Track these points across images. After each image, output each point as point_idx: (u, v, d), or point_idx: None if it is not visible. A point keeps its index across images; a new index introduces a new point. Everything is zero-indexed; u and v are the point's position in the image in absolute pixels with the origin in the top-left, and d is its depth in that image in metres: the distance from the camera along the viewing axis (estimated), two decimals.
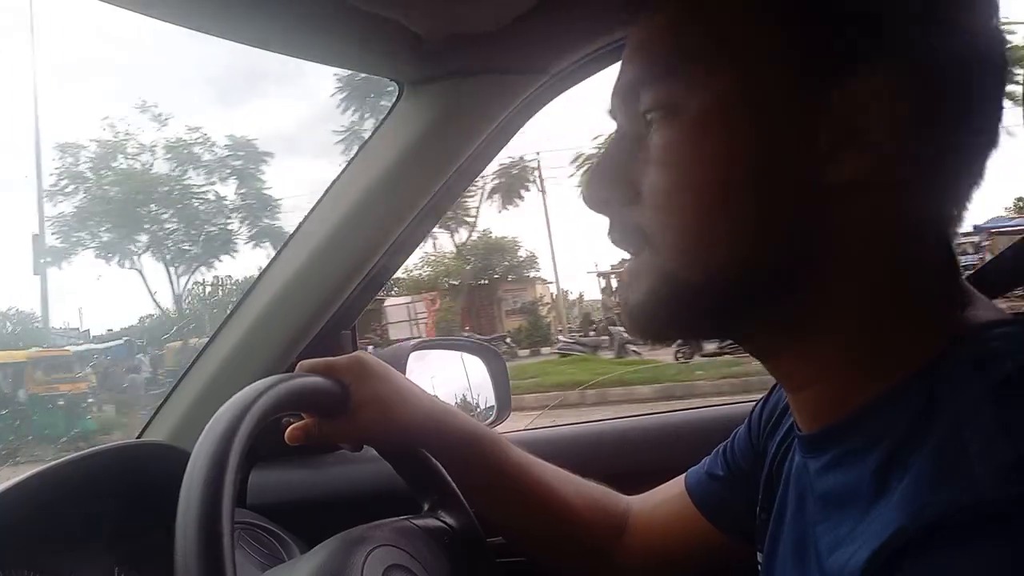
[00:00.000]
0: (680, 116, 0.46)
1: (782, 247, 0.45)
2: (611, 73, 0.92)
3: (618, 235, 0.52)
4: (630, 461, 1.07)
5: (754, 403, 0.72)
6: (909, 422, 0.41)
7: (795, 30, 0.43)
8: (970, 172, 0.46)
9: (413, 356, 1.11)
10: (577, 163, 17.78)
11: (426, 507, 0.76)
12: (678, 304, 0.48)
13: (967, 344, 0.43)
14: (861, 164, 0.43)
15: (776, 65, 0.44)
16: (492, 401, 1.25)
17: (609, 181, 0.51)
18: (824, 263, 0.45)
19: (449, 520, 0.75)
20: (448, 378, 1.23)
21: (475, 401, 1.26)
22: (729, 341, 0.54)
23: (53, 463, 0.73)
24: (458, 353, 1.28)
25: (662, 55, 0.48)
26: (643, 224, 0.49)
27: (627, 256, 0.52)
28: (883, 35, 0.42)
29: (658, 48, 0.48)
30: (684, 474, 0.78)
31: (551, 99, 0.95)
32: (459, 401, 1.25)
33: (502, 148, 0.99)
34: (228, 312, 1.03)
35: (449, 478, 0.76)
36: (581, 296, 23.02)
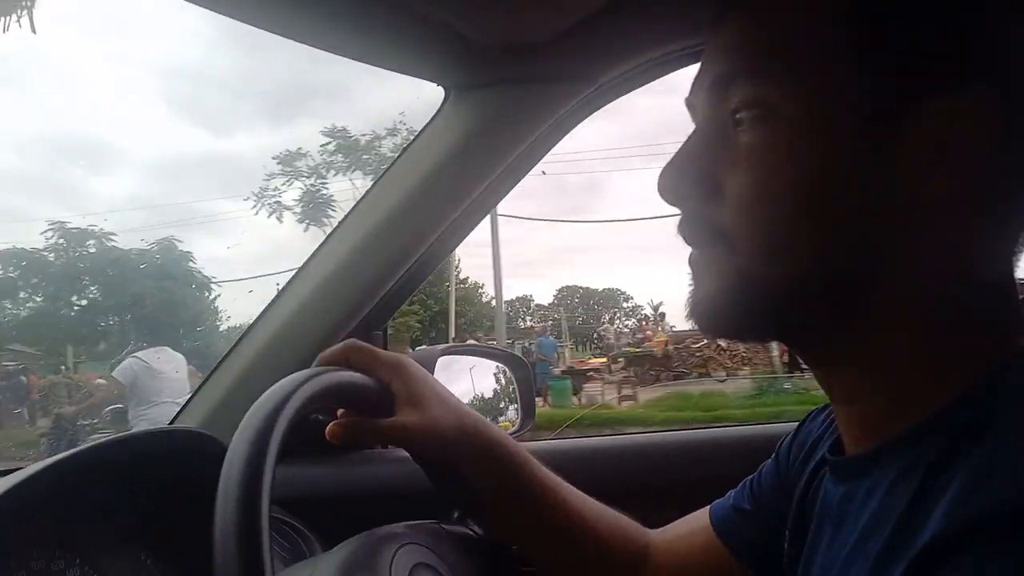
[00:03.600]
0: (774, 117, 0.46)
1: (859, 258, 0.45)
2: (657, 84, 0.93)
3: (690, 230, 0.51)
4: (650, 476, 1.06)
5: (787, 428, 0.71)
6: (953, 446, 0.41)
7: (891, 44, 0.43)
8: None
9: (441, 361, 1.11)
10: None
11: (456, 514, 0.76)
12: (749, 302, 0.48)
13: (1019, 369, 0.42)
14: (948, 185, 0.43)
15: (872, 76, 0.43)
16: (517, 410, 1.25)
17: (689, 175, 0.50)
18: (894, 277, 0.45)
19: (478, 529, 0.74)
20: (475, 384, 1.23)
21: (500, 408, 1.26)
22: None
23: (86, 446, 0.74)
24: (485, 360, 1.28)
25: (759, 53, 0.47)
26: (721, 222, 0.48)
27: (692, 249, 0.52)
28: (975, 54, 0.42)
29: (754, 46, 0.47)
30: (708, 507, 0.76)
31: (597, 108, 0.95)
32: (484, 408, 1.24)
33: (544, 155, 0.99)
34: (266, 305, 1.04)
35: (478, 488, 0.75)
36: None
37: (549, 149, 0.99)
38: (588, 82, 0.91)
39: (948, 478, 0.39)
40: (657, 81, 0.93)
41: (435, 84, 0.95)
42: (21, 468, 0.70)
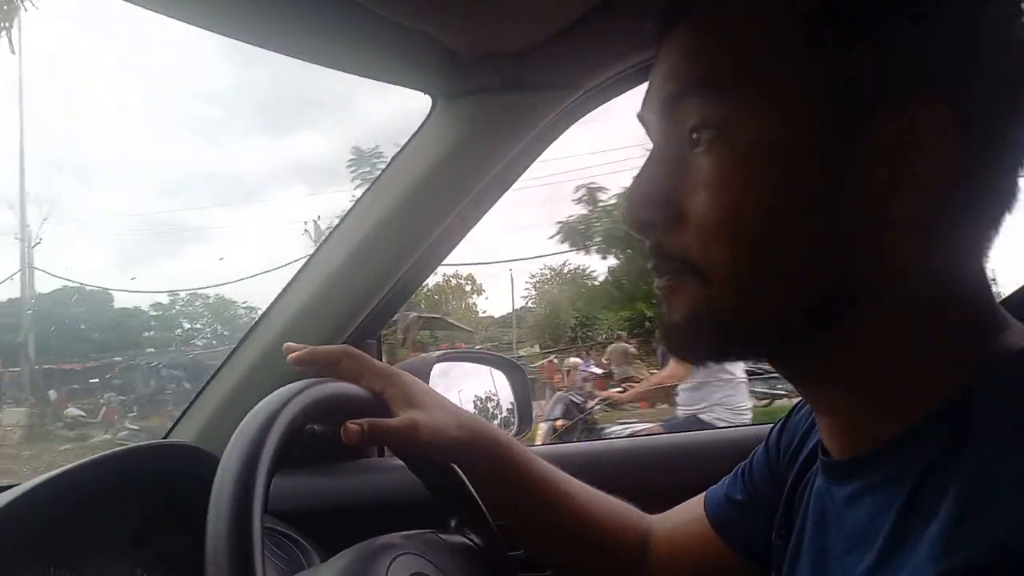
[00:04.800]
0: (732, 138, 0.44)
1: (832, 279, 0.44)
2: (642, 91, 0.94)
3: (659, 261, 0.50)
4: (647, 479, 1.06)
5: (771, 425, 0.72)
6: (937, 457, 0.41)
7: (843, 59, 0.43)
8: (1010, 198, 0.45)
9: (436, 368, 1.11)
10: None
11: (453, 523, 0.76)
12: (721, 330, 0.47)
13: (999, 375, 0.42)
14: (912, 199, 0.42)
15: (826, 92, 0.43)
16: (513, 415, 1.25)
17: (653, 202, 0.49)
18: (868, 295, 0.45)
19: (475, 538, 0.74)
20: (470, 391, 1.24)
21: (497, 414, 1.26)
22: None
23: (81, 462, 0.74)
24: (481, 366, 1.28)
25: (710, 67, 0.46)
26: (687, 251, 0.47)
27: (660, 278, 0.50)
28: (926, 68, 0.42)
29: (705, 59, 0.46)
30: (703, 494, 0.77)
31: (583, 115, 0.96)
32: (481, 414, 1.25)
33: (532, 162, 0.99)
34: (257, 318, 1.04)
35: (477, 497, 0.76)
36: None
37: (537, 156, 0.99)
38: (573, 89, 0.91)
39: (933, 497, 0.39)
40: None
41: (422, 93, 0.96)
42: (17, 485, 0.70)
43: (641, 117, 0.52)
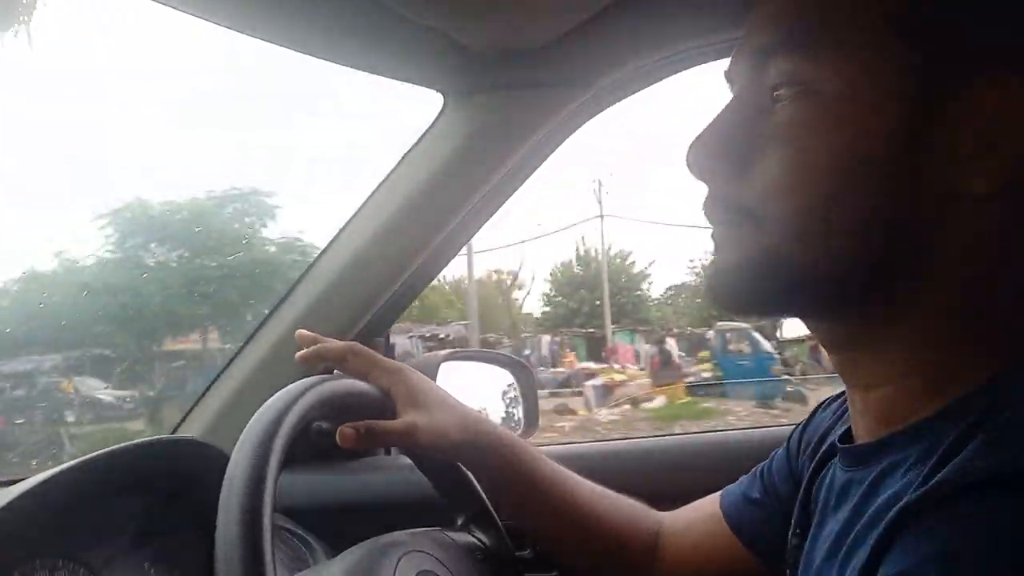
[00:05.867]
0: (816, 96, 0.44)
1: (893, 242, 0.44)
2: (653, 89, 0.93)
3: (716, 207, 0.50)
4: (656, 481, 1.06)
5: (793, 426, 0.71)
6: (967, 431, 0.40)
7: (944, 22, 0.42)
8: None
9: (444, 367, 1.11)
10: None
11: (459, 522, 0.76)
12: (773, 279, 0.47)
13: None
14: (993, 175, 0.42)
15: (922, 56, 0.42)
16: (520, 415, 1.25)
17: (720, 151, 0.49)
18: (926, 265, 0.44)
19: (482, 537, 0.74)
20: (478, 390, 1.23)
21: (503, 414, 1.26)
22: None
23: (89, 456, 0.74)
24: (488, 366, 1.28)
25: (803, 27, 0.45)
26: (749, 201, 0.47)
27: (715, 227, 0.50)
28: (1015, 46, 0.42)
29: (799, 19, 0.46)
30: (719, 493, 0.76)
31: (595, 113, 0.95)
32: (488, 414, 1.24)
33: (544, 160, 0.99)
34: (266, 314, 1.04)
35: (483, 495, 0.75)
36: None
37: (548, 154, 0.98)
38: (585, 87, 0.91)
39: (950, 460, 0.39)
40: None
41: (433, 90, 0.95)
42: (25, 479, 0.70)
43: (727, 75, 0.52)
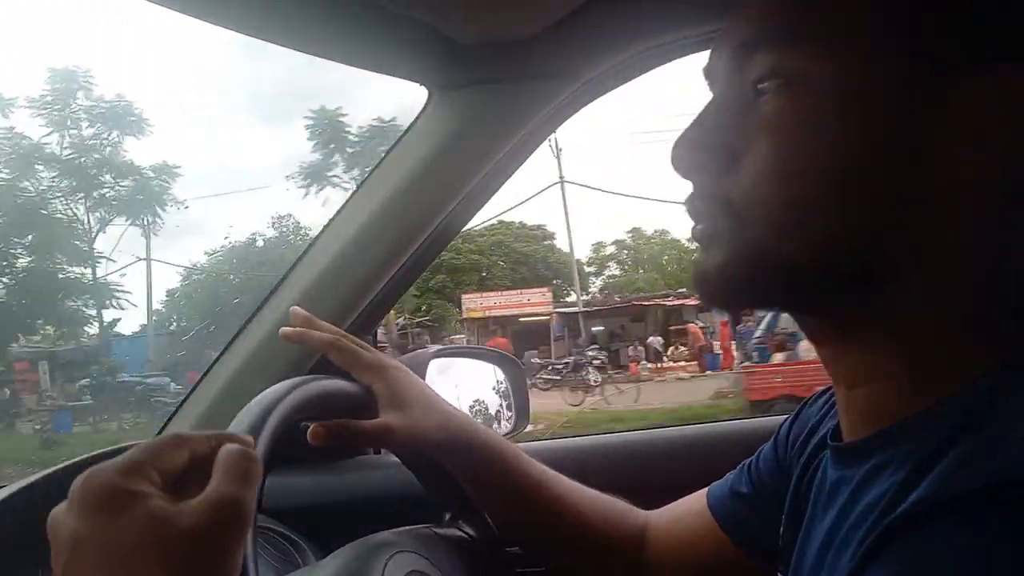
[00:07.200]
0: (800, 88, 0.44)
1: (881, 236, 0.44)
2: (640, 80, 0.92)
3: (701, 204, 0.50)
4: (643, 475, 1.06)
5: (783, 419, 0.71)
6: (950, 431, 0.40)
7: (929, 19, 0.42)
8: None
9: (433, 364, 1.10)
10: None
11: (447, 517, 0.75)
12: (760, 272, 0.46)
13: None
14: (989, 168, 0.41)
15: (907, 49, 0.42)
16: (510, 410, 1.24)
17: (705, 147, 0.48)
18: (916, 257, 0.43)
19: (470, 531, 0.74)
20: (467, 386, 1.23)
21: (494, 410, 1.25)
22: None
23: (64, 464, 0.73)
24: (477, 362, 1.28)
25: (787, 19, 0.45)
26: (735, 195, 0.46)
27: (699, 224, 0.50)
28: (1018, 34, 0.41)
29: (782, 11, 0.45)
30: (705, 489, 0.76)
31: (582, 105, 0.94)
32: (478, 409, 1.24)
33: (531, 154, 0.98)
34: (250, 313, 1.03)
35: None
36: None
37: (536, 147, 0.97)
38: (572, 79, 0.90)
39: (936, 462, 0.38)
40: None
41: (418, 85, 0.94)
42: (6, 485, 0.69)
43: (707, 71, 0.52)
